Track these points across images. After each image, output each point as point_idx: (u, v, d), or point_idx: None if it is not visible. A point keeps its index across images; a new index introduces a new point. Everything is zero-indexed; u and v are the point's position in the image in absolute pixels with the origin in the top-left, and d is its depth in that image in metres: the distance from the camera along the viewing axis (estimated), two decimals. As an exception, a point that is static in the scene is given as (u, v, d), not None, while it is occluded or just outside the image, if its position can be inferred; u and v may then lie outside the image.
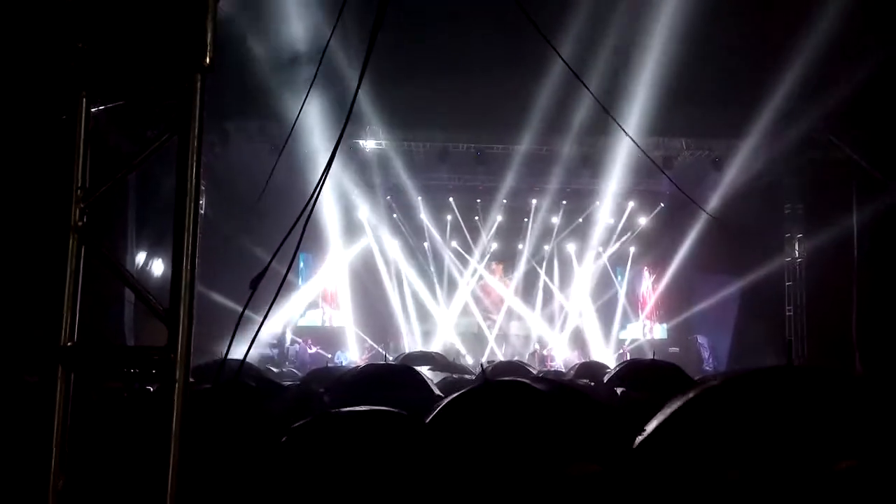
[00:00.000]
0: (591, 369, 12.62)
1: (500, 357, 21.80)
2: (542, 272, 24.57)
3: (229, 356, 3.56)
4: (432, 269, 24.25)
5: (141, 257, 18.04)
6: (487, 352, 23.12)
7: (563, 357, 22.74)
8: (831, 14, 12.70)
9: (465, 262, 24.20)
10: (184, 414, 2.32)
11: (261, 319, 3.53)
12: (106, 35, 2.54)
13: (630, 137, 7.28)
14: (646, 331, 24.55)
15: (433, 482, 3.50)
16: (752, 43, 14.17)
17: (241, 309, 3.12)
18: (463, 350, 23.11)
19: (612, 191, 22.17)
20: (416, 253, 24.14)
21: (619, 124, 5.67)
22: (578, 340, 23.85)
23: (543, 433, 4.81)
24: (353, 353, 22.81)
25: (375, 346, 22.32)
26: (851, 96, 13.76)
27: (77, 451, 2.47)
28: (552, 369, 18.34)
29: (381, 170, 21.11)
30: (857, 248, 15.33)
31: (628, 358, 20.32)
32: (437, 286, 24.22)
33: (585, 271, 24.31)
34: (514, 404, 5.29)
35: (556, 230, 24.12)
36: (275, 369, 17.55)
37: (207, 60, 2.52)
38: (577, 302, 24.15)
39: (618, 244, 24.40)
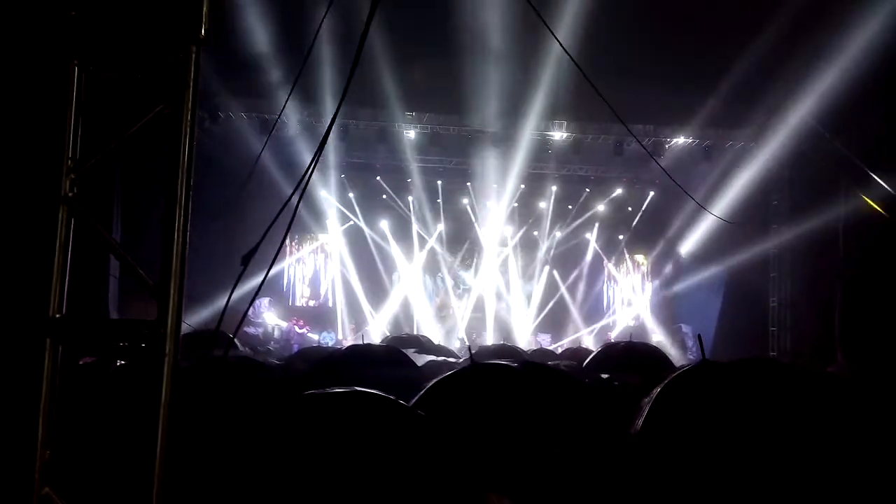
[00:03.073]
0: (578, 354, 12.69)
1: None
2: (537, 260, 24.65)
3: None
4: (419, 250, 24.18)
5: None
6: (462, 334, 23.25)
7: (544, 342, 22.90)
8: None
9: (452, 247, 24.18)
10: (172, 388, 2.31)
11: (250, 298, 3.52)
12: (99, 3, 2.50)
13: (623, 123, 7.28)
14: (630, 318, 24.70)
15: (413, 467, 3.44)
16: (746, 35, 14.17)
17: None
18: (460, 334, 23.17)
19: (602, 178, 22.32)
20: (406, 235, 24.03)
21: (614, 111, 5.66)
22: (559, 324, 24.08)
23: (527, 416, 4.83)
24: (339, 334, 22.81)
25: (361, 325, 22.32)
26: (843, 90, 13.81)
27: (65, 424, 2.46)
28: (540, 348, 18.42)
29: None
30: (843, 241, 15.40)
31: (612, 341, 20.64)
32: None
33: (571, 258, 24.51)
34: (498, 387, 5.30)
35: (547, 216, 24.11)
36: (260, 348, 17.49)
37: (203, 32, 2.49)
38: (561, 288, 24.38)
39: (606, 231, 24.54)
